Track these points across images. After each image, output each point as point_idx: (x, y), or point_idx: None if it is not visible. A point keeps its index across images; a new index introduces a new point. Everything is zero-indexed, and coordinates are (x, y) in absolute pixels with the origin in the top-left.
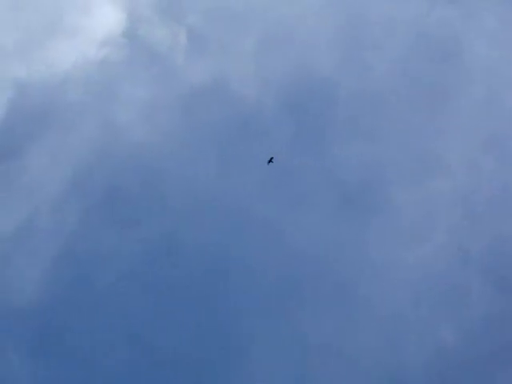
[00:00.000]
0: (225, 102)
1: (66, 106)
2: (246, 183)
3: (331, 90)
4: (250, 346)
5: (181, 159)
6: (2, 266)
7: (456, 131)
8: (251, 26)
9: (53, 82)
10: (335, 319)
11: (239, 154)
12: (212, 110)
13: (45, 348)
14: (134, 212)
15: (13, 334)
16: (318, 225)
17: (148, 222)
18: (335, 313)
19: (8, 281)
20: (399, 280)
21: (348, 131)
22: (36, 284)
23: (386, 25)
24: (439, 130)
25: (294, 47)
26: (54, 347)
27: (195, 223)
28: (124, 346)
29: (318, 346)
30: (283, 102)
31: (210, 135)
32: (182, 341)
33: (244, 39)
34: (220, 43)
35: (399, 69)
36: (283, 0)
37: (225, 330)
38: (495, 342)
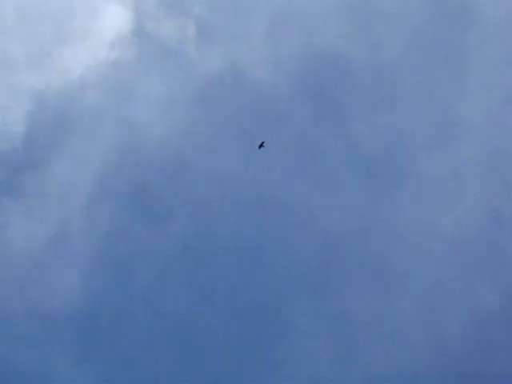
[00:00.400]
0: (241, 89)
1: (86, 110)
2: (271, 168)
3: (346, 64)
4: (291, 328)
5: (204, 150)
6: (42, 274)
7: (476, 90)
8: (259, 10)
9: (69, 89)
10: (374, 294)
11: (261, 139)
12: (229, 98)
13: (91, 351)
14: (164, 207)
15: (59, 340)
16: (347, 201)
17: (179, 215)
18: (373, 287)
19: (49, 288)
20: (434, 247)
21: (367, 104)
22: (77, 288)
23: None
24: (459, 91)
25: (304, 25)
26: (99, 349)
27: (225, 212)
28: (166, 345)
29: (359, 321)
30: (299, 82)
31: (231, 123)
32: (225, 334)
33: (253, 23)
34: (229, 30)
35: (412, 35)
36: None
37: (266, 314)
38: None
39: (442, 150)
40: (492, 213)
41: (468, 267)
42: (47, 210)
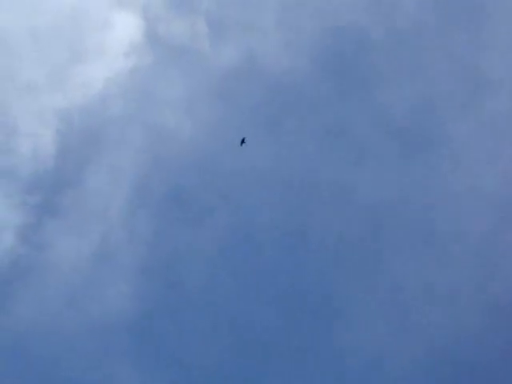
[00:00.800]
0: (261, 78)
1: (112, 122)
2: (303, 152)
3: (363, 37)
4: (346, 306)
5: (232, 144)
6: (92, 288)
7: (497, 46)
8: None
9: (93, 103)
10: (424, 261)
11: (288, 126)
12: (250, 88)
13: (149, 357)
14: (201, 206)
15: (117, 349)
16: (384, 173)
17: (217, 212)
18: (422, 254)
19: (100, 300)
20: (478, 209)
21: (390, 73)
22: (127, 297)
23: None
24: (480, 49)
25: (315, 5)
26: (157, 354)
27: (262, 203)
28: (221, 345)
29: (412, 290)
30: (318, 62)
31: (255, 114)
32: (280, 322)
33: (263, 11)
34: (240, 22)
35: None
36: None
37: (319, 297)
38: None
39: (472, 111)
40: None
41: None
42: (88, 225)
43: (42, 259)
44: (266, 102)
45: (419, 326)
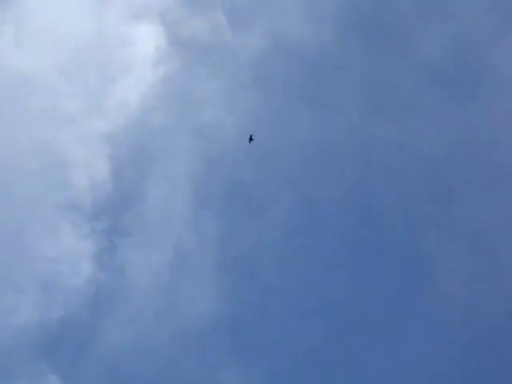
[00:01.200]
0: (290, 58)
1: (157, 133)
2: (351, 120)
3: None
4: (425, 257)
5: (279, 128)
6: (174, 297)
7: None
8: None
9: (134, 120)
10: (497, 201)
11: (329, 97)
12: (282, 69)
13: (246, 352)
14: (262, 200)
15: (214, 351)
16: (438, 122)
17: (279, 201)
18: (495, 196)
19: (185, 307)
20: None
21: (417, 18)
22: (210, 299)
23: None
24: None
25: None
26: (253, 349)
27: (321, 180)
28: (312, 330)
29: (494, 232)
30: (343, 28)
31: (293, 93)
32: (364, 304)
33: None
34: (258, 4)
35: None
36: None
37: (405, 262)
38: None
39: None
40: None
41: None
42: (158, 237)
43: (123, 279)
44: (301, 77)
45: (504, 271)
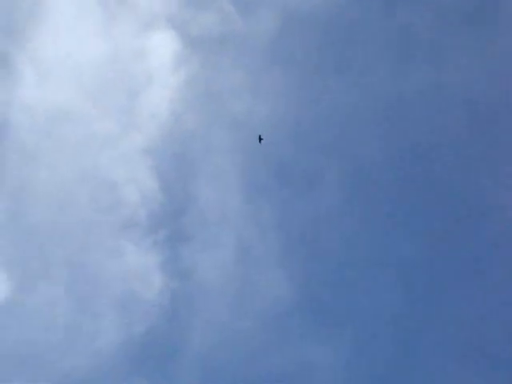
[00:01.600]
0: (304, 27)
1: (194, 135)
2: (379, 81)
3: None
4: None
5: (309, 104)
6: (248, 288)
7: None
8: None
9: (168, 128)
10: None
11: (352, 61)
12: (300, 41)
13: (330, 328)
14: (310, 175)
15: (296, 331)
16: (466, 67)
17: (327, 174)
18: None
19: (261, 295)
20: None
21: None
22: (285, 282)
23: None
24: None
25: None
26: (335, 324)
27: (364, 145)
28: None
29: None
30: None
31: (315, 63)
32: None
33: None
34: None
35: None
36: None
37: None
38: None
39: None
40: None
41: None
42: (218, 234)
43: (193, 283)
44: (319, 45)
45: None
